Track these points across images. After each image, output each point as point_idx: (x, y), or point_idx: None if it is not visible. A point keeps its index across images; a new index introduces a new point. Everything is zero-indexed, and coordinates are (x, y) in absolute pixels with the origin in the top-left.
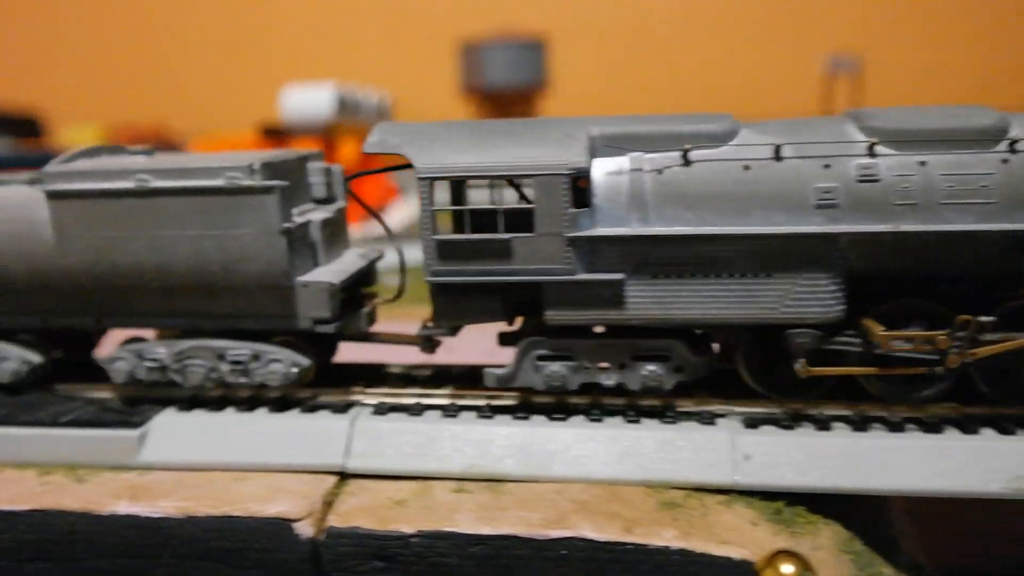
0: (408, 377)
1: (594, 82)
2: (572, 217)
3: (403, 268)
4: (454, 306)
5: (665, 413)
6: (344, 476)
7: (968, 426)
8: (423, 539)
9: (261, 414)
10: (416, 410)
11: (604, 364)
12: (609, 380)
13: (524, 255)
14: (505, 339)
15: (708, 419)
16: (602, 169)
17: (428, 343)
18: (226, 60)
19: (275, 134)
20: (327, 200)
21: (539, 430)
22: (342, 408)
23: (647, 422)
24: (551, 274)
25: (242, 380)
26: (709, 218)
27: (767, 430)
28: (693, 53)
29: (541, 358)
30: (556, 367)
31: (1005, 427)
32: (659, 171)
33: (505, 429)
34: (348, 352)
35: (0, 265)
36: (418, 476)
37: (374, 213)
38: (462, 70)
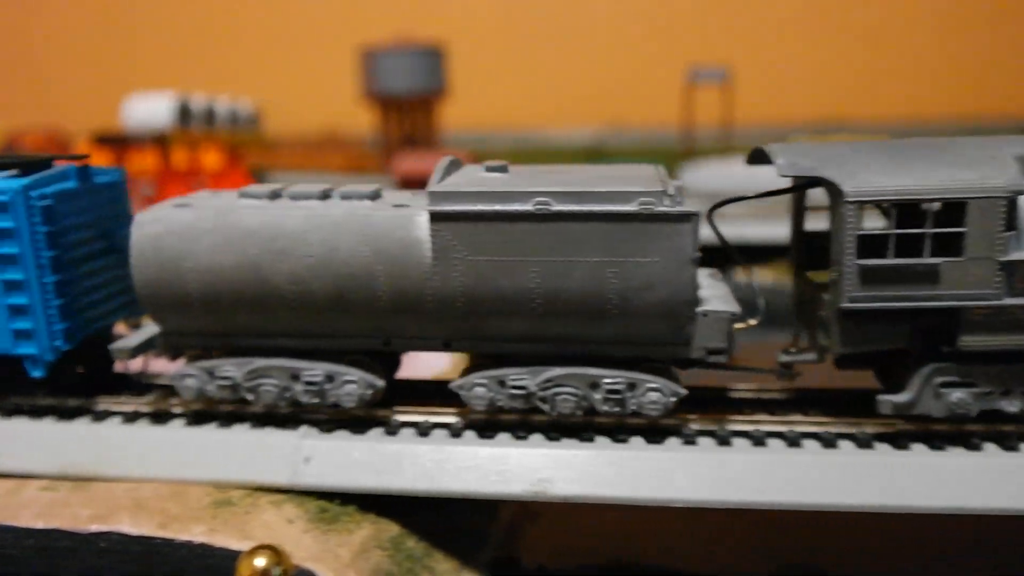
0: None
1: (491, 89)
2: (1006, 240)
3: (759, 296)
4: (862, 332)
5: (255, 418)
6: None
7: (519, 434)
8: None
9: None
10: (39, 412)
11: (1006, 389)
12: (1012, 406)
13: (949, 280)
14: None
15: (293, 425)
16: None
17: (787, 370)
18: (129, 67)
19: (111, 142)
20: None
21: (139, 433)
22: None
23: (237, 427)
24: (977, 299)
25: (615, 410)
26: None
27: (338, 435)
28: (579, 61)
29: (943, 385)
30: (962, 394)
31: (553, 436)
32: None
33: (108, 431)
34: None
35: (359, 284)
36: (27, 475)
37: (727, 244)
38: (362, 77)
